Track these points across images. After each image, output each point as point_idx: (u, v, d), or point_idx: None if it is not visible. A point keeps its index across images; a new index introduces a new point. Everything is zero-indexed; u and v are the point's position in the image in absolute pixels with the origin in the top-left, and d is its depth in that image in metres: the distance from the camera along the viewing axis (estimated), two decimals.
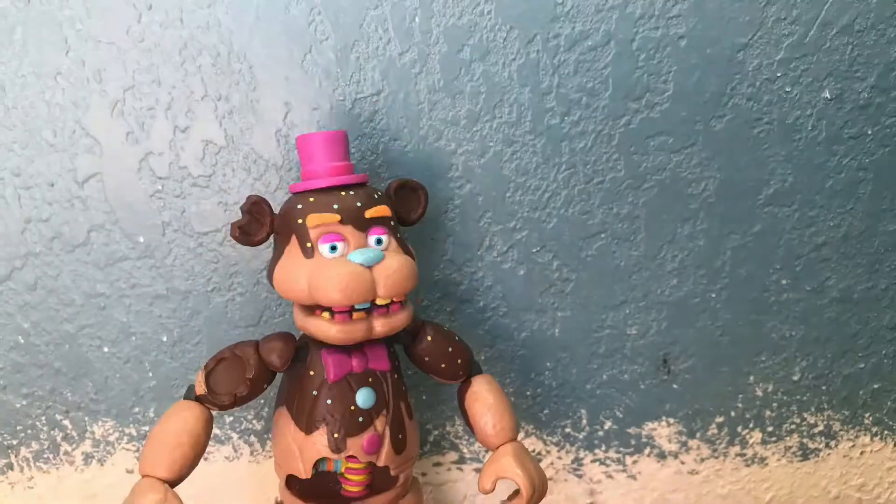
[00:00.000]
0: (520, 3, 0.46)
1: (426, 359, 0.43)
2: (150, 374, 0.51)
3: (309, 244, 0.38)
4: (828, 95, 0.49)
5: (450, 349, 0.43)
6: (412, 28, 0.46)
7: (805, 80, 0.48)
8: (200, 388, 0.40)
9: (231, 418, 0.52)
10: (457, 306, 0.51)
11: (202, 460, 0.53)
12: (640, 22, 0.46)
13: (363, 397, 0.40)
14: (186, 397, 0.41)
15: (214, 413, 0.41)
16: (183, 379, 0.51)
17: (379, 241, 0.39)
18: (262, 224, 0.40)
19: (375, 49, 0.46)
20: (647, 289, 0.52)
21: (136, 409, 0.52)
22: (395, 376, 0.42)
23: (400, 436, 0.42)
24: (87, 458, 0.53)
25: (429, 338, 0.43)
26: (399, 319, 0.39)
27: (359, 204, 0.39)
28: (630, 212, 0.50)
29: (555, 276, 0.51)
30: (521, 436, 0.54)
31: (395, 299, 0.38)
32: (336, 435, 0.40)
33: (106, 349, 0.50)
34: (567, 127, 0.48)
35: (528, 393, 0.54)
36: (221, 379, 0.40)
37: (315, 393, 0.40)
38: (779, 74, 0.48)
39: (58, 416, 0.52)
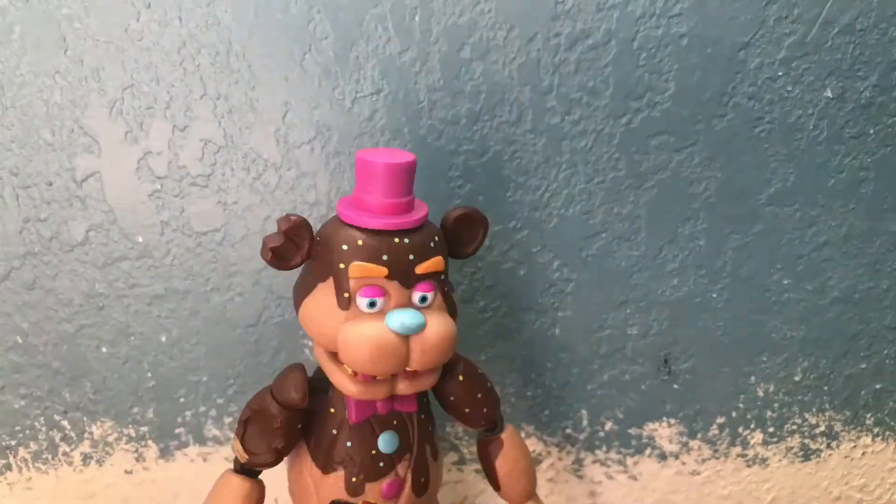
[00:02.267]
0: (520, 1, 0.45)
1: (451, 398, 0.41)
2: (149, 375, 0.51)
3: (347, 294, 0.35)
4: (829, 95, 0.49)
5: (479, 395, 0.41)
6: (412, 27, 0.45)
7: (807, 79, 0.48)
8: (242, 456, 0.38)
9: (230, 419, 0.52)
10: None
11: (202, 461, 0.53)
12: (641, 21, 0.46)
13: (385, 442, 0.38)
14: (234, 468, 0.40)
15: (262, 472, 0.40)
16: (182, 379, 0.51)
17: (423, 299, 0.36)
18: (299, 248, 0.36)
19: (375, 48, 0.46)
20: (648, 289, 0.52)
21: (135, 410, 0.51)
22: (423, 416, 0.40)
23: (422, 479, 0.40)
24: (86, 458, 0.52)
25: (460, 377, 0.40)
26: (426, 382, 0.37)
27: (411, 257, 0.35)
28: (631, 211, 0.50)
29: (555, 276, 0.51)
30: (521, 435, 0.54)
31: None
32: (354, 479, 0.38)
33: (104, 349, 0.50)
34: (568, 126, 0.48)
35: (529, 393, 0.54)
36: (255, 439, 0.38)
37: (334, 432, 0.38)
38: (780, 73, 0.48)
39: (56, 417, 0.51)
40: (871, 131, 0.50)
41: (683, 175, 0.49)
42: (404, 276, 0.35)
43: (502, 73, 0.47)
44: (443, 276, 0.37)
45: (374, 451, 0.38)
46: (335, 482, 0.38)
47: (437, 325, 0.35)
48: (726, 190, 0.50)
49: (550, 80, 0.47)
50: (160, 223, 0.48)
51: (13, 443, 0.52)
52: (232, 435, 0.52)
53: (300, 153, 0.47)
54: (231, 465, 0.41)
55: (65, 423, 0.52)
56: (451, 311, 0.38)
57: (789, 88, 0.48)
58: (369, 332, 0.34)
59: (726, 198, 0.50)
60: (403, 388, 0.36)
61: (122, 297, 0.49)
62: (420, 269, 0.35)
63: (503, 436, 0.43)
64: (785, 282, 0.52)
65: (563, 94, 0.47)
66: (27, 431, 0.52)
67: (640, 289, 0.52)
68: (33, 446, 0.52)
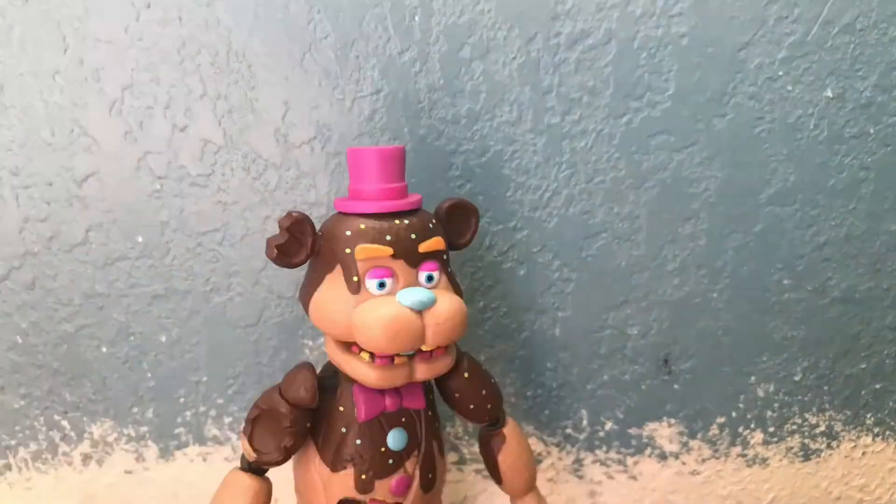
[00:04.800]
0: (520, 1, 0.45)
1: (456, 395, 0.41)
2: (149, 375, 0.51)
3: (356, 278, 0.35)
4: (830, 94, 0.48)
5: (483, 392, 0.41)
6: (412, 26, 0.45)
7: (807, 78, 0.48)
8: (251, 455, 0.38)
9: (230, 419, 0.52)
10: None
11: (202, 461, 0.53)
12: (642, 20, 0.46)
13: (395, 439, 0.38)
14: (241, 467, 0.40)
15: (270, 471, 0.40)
16: (182, 379, 0.51)
17: (430, 279, 0.37)
18: (302, 245, 0.37)
19: (375, 48, 0.46)
20: (648, 289, 0.52)
21: (135, 410, 0.51)
22: (430, 413, 0.40)
23: (430, 475, 0.40)
24: (86, 458, 0.52)
25: (465, 374, 0.41)
26: (442, 365, 0.38)
27: (413, 236, 0.36)
28: (631, 211, 0.50)
29: (555, 276, 0.51)
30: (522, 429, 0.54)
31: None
32: (364, 476, 0.38)
33: (104, 349, 0.50)
34: (568, 126, 0.48)
35: (529, 393, 0.54)
36: (264, 438, 0.38)
37: (343, 430, 0.38)
38: (780, 73, 0.48)
39: (56, 417, 0.51)
40: (872, 131, 0.49)
41: (683, 175, 0.49)
42: (409, 255, 0.36)
43: (502, 73, 0.47)
44: (445, 257, 0.38)
45: (383, 449, 0.38)
46: (344, 480, 0.38)
47: (448, 301, 0.35)
48: (726, 190, 0.50)
49: (550, 79, 0.47)
50: (160, 223, 0.48)
51: (13, 443, 0.52)
52: (232, 435, 0.52)
53: (300, 153, 0.47)
54: (237, 464, 0.41)
55: (65, 423, 0.52)
56: (457, 291, 0.38)
57: (789, 88, 0.48)
58: (384, 309, 0.34)
59: (726, 198, 0.50)
60: (421, 372, 0.37)
61: (122, 296, 0.49)
62: (423, 247, 0.36)
63: (505, 430, 0.44)
64: (785, 282, 0.52)
65: (563, 93, 0.47)
66: (27, 431, 0.52)
67: (641, 289, 0.52)
68: (33, 446, 0.52)
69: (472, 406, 0.41)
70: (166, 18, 0.44)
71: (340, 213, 0.38)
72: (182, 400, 0.51)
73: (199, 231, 0.48)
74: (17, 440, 0.52)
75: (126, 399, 0.51)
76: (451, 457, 0.55)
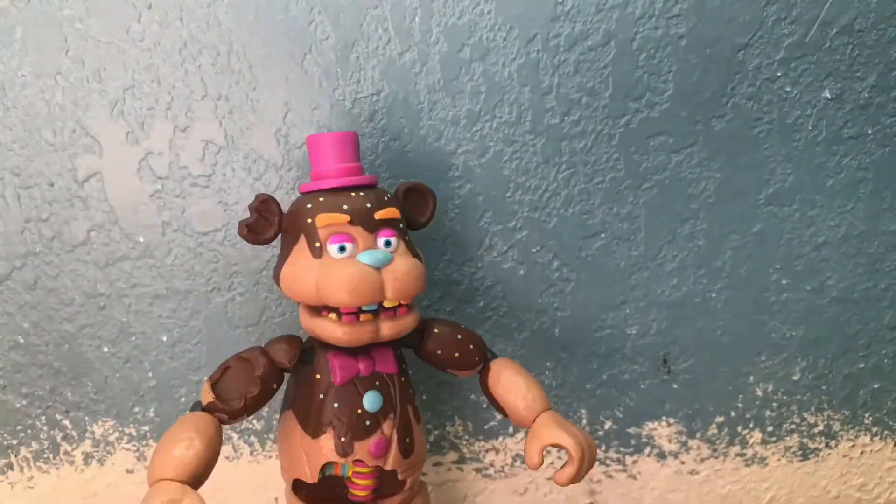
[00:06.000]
0: (520, 2, 0.46)
1: (438, 352, 0.43)
2: (150, 374, 0.51)
3: (318, 244, 0.38)
4: (828, 95, 0.49)
5: (459, 337, 0.43)
6: (412, 27, 0.46)
7: (805, 79, 0.48)
8: (207, 397, 0.38)
9: None
10: (457, 306, 0.51)
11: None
12: (641, 21, 0.46)
13: (370, 400, 0.40)
14: (192, 410, 0.38)
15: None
16: (183, 379, 0.51)
17: (388, 244, 0.39)
18: (270, 223, 0.40)
19: (375, 49, 0.46)
20: (647, 289, 0.52)
21: (136, 409, 0.52)
22: (403, 379, 0.42)
23: (408, 439, 0.41)
24: (87, 457, 0.53)
25: (436, 331, 0.43)
26: (406, 323, 0.39)
27: (368, 205, 0.39)
28: (630, 212, 0.50)
29: (555, 276, 0.51)
30: (520, 436, 0.54)
31: (402, 302, 0.38)
32: (343, 439, 0.39)
33: (106, 349, 0.50)
34: (567, 127, 0.48)
35: None
36: (230, 384, 0.39)
37: (321, 396, 0.40)
38: (779, 74, 0.48)
39: (58, 416, 0.51)
40: (870, 132, 0.50)
41: (682, 175, 0.50)
42: (366, 222, 0.38)
43: (502, 74, 0.47)
44: (401, 225, 0.40)
45: (360, 410, 0.40)
46: (325, 444, 0.40)
47: (405, 259, 0.38)
48: (725, 190, 0.50)
49: (550, 80, 0.47)
50: (161, 223, 0.48)
51: (15, 442, 0.52)
52: (233, 434, 0.52)
53: (301, 154, 0.47)
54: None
55: (66, 422, 0.52)
56: (416, 256, 0.40)
57: (788, 89, 0.48)
58: (345, 266, 0.37)
59: (725, 198, 0.50)
60: (386, 328, 0.38)
61: (124, 296, 0.49)
62: (378, 214, 0.39)
63: (492, 362, 0.43)
64: (784, 282, 0.52)
65: (562, 94, 0.47)
66: (29, 431, 0.52)
67: (640, 289, 0.52)
68: (35, 445, 0.52)
69: (457, 354, 0.43)
70: (167, 19, 0.45)
71: (303, 193, 0.40)
72: (183, 399, 0.52)
73: (200, 231, 0.48)
74: (19, 439, 0.52)
75: (127, 398, 0.51)
76: (451, 456, 0.55)
